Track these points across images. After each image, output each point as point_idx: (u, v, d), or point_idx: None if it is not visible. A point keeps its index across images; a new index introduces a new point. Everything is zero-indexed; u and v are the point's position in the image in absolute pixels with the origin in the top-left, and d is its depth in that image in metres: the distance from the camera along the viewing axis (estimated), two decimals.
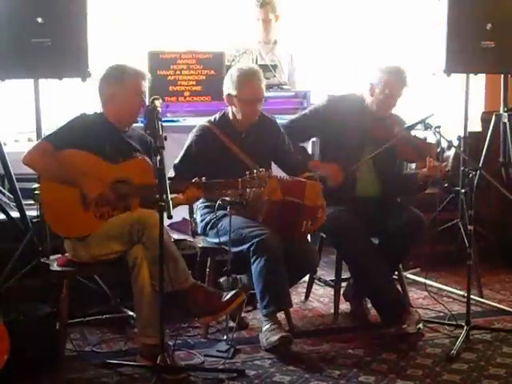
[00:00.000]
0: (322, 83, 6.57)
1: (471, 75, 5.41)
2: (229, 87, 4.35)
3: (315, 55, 6.83)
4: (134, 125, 4.19)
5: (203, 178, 3.97)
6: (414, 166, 4.71)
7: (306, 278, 4.87)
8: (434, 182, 4.66)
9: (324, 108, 4.69)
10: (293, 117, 4.82)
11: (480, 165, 5.40)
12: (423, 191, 4.77)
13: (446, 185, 5.29)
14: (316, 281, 5.01)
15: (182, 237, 4.67)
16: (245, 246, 4.13)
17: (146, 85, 4.03)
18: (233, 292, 3.92)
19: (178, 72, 5.30)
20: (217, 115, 4.47)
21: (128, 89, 3.98)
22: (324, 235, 4.66)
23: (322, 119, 4.65)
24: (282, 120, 4.99)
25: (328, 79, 6.79)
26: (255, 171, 3.95)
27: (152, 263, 3.74)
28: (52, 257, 4.14)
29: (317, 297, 5.05)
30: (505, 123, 5.55)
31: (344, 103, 4.67)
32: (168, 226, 4.41)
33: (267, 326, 4.11)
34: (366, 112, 4.62)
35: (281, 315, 4.33)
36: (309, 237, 4.76)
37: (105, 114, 4.07)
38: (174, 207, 3.59)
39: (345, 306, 4.77)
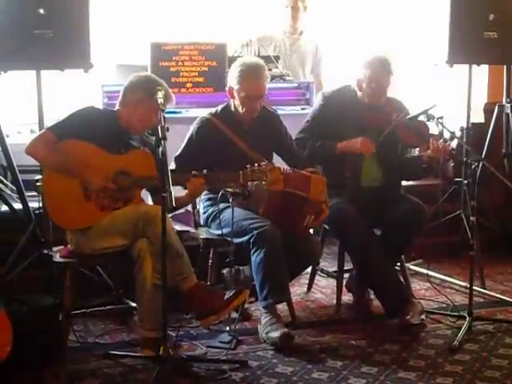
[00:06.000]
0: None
1: (474, 66, 5.40)
2: (231, 80, 4.33)
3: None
4: None
5: (204, 171, 3.97)
6: (417, 150, 4.69)
7: (309, 269, 4.87)
8: (440, 163, 4.62)
9: (321, 108, 4.67)
10: (299, 131, 4.68)
11: (483, 156, 5.40)
12: (429, 175, 4.76)
13: (452, 164, 5.27)
14: (318, 272, 5.01)
15: (184, 228, 4.67)
16: (245, 238, 4.13)
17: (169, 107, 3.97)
18: (234, 290, 3.92)
19: (180, 63, 5.30)
20: (219, 107, 4.46)
21: (154, 105, 3.80)
22: (327, 226, 4.66)
23: (324, 120, 4.63)
24: (284, 111, 4.99)
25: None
26: (256, 164, 3.94)
27: (156, 257, 3.74)
28: (55, 248, 4.14)
29: (319, 288, 5.06)
30: (507, 114, 5.54)
31: (338, 98, 4.66)
32: (171, 217, 4.41)
33: (266, 319, 4.11)
34: (360, 104, 4.61)
35: (283, 306, 4.35)
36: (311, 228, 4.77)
37: (117, 113, 4.06)
38: (178, 208, 3.59)
39: (347, 297, 4.77)
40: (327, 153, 4.56)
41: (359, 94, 4.63)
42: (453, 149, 4.66)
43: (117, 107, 4.10)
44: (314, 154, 4.56)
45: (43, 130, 4.08)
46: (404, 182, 4.90)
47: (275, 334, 4.01)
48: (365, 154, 4.55)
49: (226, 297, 3.88)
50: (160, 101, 3.73)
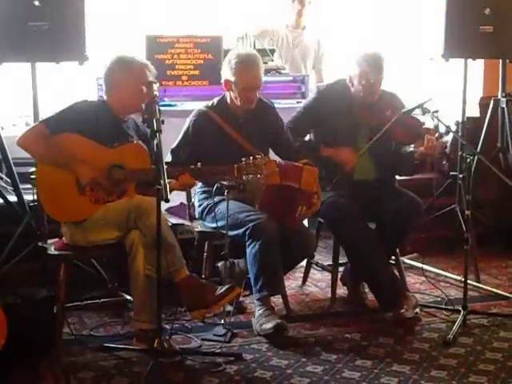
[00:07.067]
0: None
1: (469, 60, 5.40)
2: (227, 73, 4.32)
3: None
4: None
5: (198, 164, 3.97)
6: (412, 147, 4.70)
7: (304, 262, 4.87)
8: (433, 161, 4.62)
9: (315, 101, 4.68)
10: (289, 119, 4.70)
11: (478, 150, 5.40)
12: (420, 171, 4.76)
13: (444, 162, 5.27)
14: (313, 265, 5.01)
15: (179, 221, 4.67)
16: (240, 230, 4.13)
17: (151, 77, 3.99)
18: (227, 286, 3.91)
19: (175, 56, 5.28)
20: (215, 100, 4.46)
21: (135, 76, 3.95)
22: (321, 220, 4.66)
23: (315, 114, 4.64)
24: (279, 105, 4.98)
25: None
26: (251, 157, 3.94)
27: (148, 249, 3.74)
28: (50, 240, 4.14)
29: (314, 281, 5.06)
30: (503, 108, 5.55)
31: (333, 91, 4.66)
32: (165, 210, 4.41)
33: (260, 311, 4.12)
34: (353, 100, 4.61)
35: (278, 299, 4.36)
36: (306, 222, 4.77)
37: (108, 102, 4.06)
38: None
39: (342, 290, 4.78)
40: (307, 153, 4.55)
41: (352, 89, 4.62)
42: (446, 146, 4.66)
43: (105, 98, 4.10)
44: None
45: (36, 123, 4.07)
46: (398, 176, 4.91)
47: (269, 325, 4.02)
48: (348, 168, 4.55)
49: (218, 292, 3.87)
50: (150, 78, 3.87)
